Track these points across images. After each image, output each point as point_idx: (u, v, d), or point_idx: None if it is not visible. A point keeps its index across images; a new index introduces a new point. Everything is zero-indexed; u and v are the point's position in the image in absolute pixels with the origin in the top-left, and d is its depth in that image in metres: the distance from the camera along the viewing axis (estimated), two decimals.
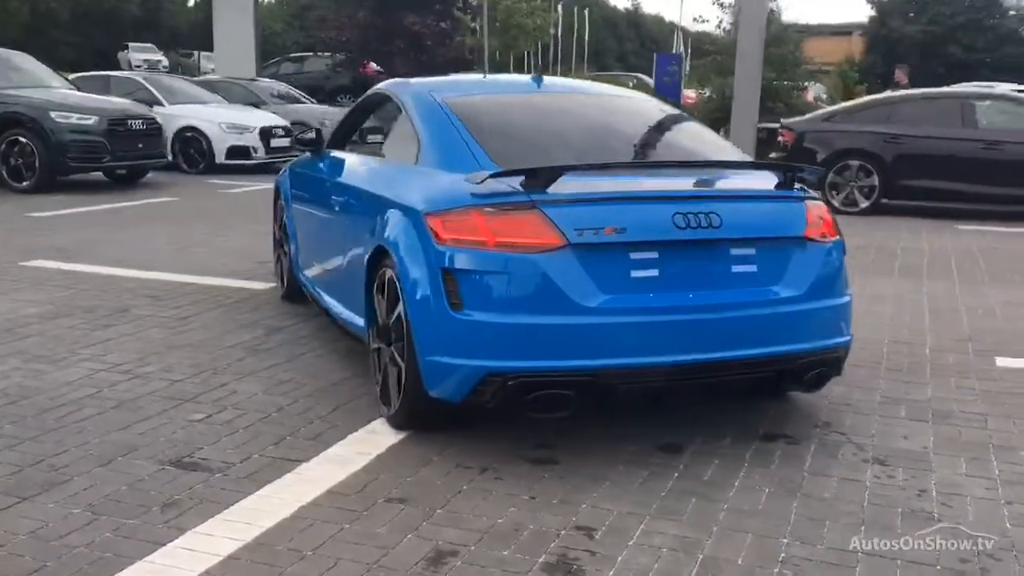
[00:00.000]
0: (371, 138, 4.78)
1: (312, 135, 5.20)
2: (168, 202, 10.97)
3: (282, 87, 18.65)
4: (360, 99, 5.10)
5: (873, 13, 50.63)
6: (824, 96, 23.70)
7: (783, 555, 2.81)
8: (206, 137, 14.05)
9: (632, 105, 4.57)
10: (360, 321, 4.14)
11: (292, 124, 15.11)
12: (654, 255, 3.31)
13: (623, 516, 3.02)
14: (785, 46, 18.94)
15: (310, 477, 3.30)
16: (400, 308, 3.54)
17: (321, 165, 5.07)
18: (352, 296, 4.25)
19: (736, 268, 3.43)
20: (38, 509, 3.01)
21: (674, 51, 59.81)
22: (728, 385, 3.48)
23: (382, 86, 4.86)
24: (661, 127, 4.27)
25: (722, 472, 3.39)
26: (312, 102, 18.42)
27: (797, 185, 3.66)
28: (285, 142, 14.67)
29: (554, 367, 3.22)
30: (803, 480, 3.33)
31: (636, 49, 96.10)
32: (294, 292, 5.75)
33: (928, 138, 10.37)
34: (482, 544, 2.83)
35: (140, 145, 11.84)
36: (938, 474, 3.40)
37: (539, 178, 3.30)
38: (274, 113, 15.62)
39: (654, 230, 3.31)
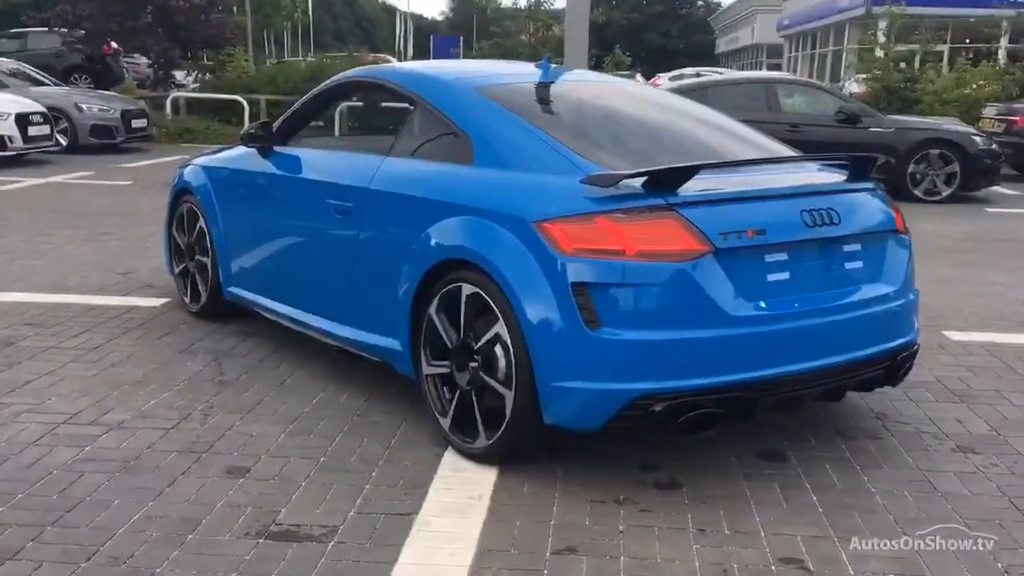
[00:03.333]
0: (362, 134, 4.21)
1: (257, 129, 4.50)
2: None
3: (13, 64, 16.43)
4: (321, 90, 4.48)
5: None
6: None
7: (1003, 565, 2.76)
8: None
9: (657, 95, 4.31)
10: (388, 343, 3.65)
11: (47, 110, 13.34)
12: (784, 256, 3.14)
13: (812, 540, 2.84)
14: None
15: (444, 534, 2.83)
16: (498, 329, 3.13)
17: (278, 163, 4.41)
18: (373, 315, 3.74)
19: (848, 265, 3.34)
20: None
21: (397, 31, 59.86)
22: (845, 387, 3.40)
23: (362, 74, 4.31)
24: (704, 119, 4.08)
25: (845, 476, 3.30)
26: (55, 83, 16.40)
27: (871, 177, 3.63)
28: (45, 129, 12.96)
29: (708, 384, 2.96)
30: (925, 475, 3.32)
31: (351, 28, 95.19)
32: (214, 309, 5.02)
33: (743, 122, 10.91)
34: None
35: None
36: None
37: (669, 179, 3.02)
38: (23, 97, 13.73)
39: (788, 230, 3.14)
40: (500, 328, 3.14)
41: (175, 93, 18.23)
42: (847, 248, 3.34)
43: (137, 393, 3.95)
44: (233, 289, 4.79)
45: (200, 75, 21.13)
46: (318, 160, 4.27)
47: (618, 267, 2.94)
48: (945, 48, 25.42)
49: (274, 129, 4.52)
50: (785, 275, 3.14)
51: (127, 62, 25.08)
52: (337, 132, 12.56)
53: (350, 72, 4.35)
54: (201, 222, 4.97)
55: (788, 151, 3.83)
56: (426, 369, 3.50)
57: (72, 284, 5.86)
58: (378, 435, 3.56)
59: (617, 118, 3.83)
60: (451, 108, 3.65)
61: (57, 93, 15.04)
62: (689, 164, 3.05)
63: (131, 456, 3.32)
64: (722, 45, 61.13)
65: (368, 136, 5.72)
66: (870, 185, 3.58)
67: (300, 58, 31.98)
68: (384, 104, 16.67)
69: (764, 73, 16.11)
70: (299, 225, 4.23)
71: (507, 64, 4.45)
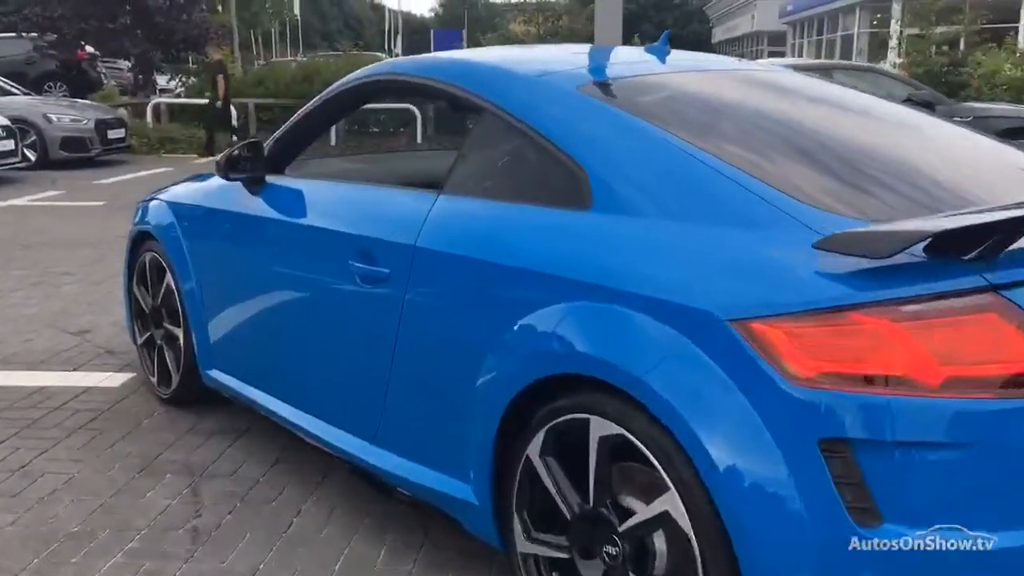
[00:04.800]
0: (395, 156, 2.89)
1: (243, 151, 3.13)
2: None
3: None
4: (329, 96, 3.06)
5: None
6: None
7: None
8: None
9: (838, 92, 2.88)
10: (451, 487, 2.34)
11: (13, 122, 11.97)
12: None
13: None
14: None
15: None
16: (667, 506, 1.80)
17: (273, 200, 3.06)
18: (424, 439, 2.43)
19: None
20: None
21: (387, 30, 58.32)
22: None
23: (391, 70, 2.93)
24: (934, 131, 2.67)
25: None
26: (23, 92, 15.00)
27: None
28: (9, 144, 11.57)
29: None
30: None
31: (340, 28, 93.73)
32: (189, 394, 3.68)
33: None
34: None
35: None
36: None
37: (978, 238, 1.67)
38: None
39: None
40: (671, 504, 1.80)
41: (156, 99, 16.81)
42: None
43: (69, 561, 2.61)
44: (214, 373, 3.44)
45: (184, 79, 19.72)
46: (332, 198, 2.91)
47: (912, 408, 1.60)
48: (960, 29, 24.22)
49: (266, 151, 3.17)
50: None
51: (108, 67, 23.69)
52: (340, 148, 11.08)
53: (373, 69, 2.97)
54: (169, 278, 3.62)
55: None
56: (522, 545, 2.16)
57: (6, 353, 4.51)
58: None
59: (814, 132, 2.41)
60: (546, 120, 2.29)
61: (24, 103, 13.65)
62: (1014, 212, 1.69)
63: None
64: (719, 34, 59.81)
65: (406, 158, 4.32)
66: None
67: (290, 58, 30.50)
68: (423, 111, 15.26)
69: (821, 61, 14.91)
70: (306, 294, 2.88)
71: (591, 48, 3.06)
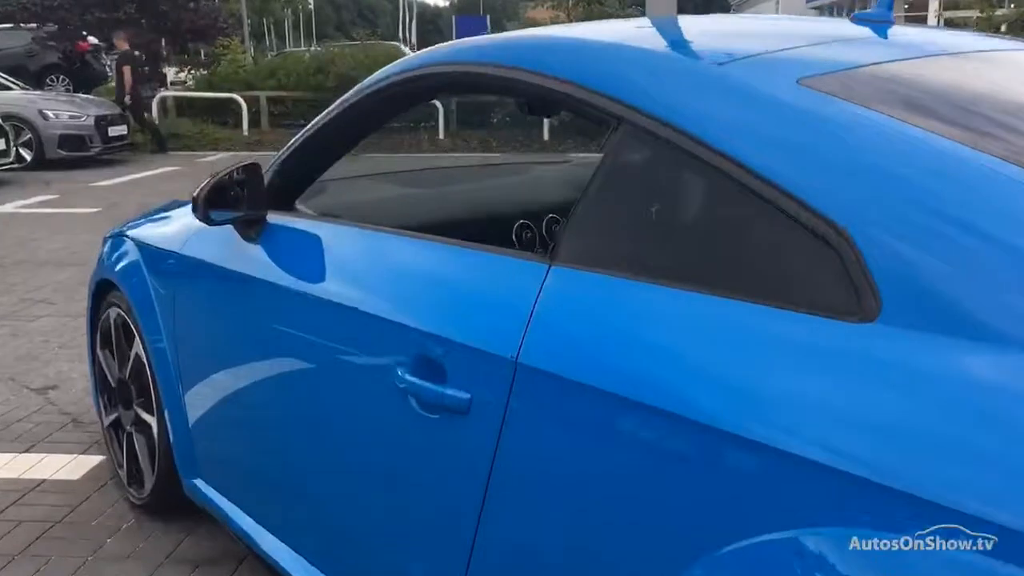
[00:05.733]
0: (444, 183, 1.94)
1: (236, 175, 2.10)
2: None
3: None
4: (361, 95, 1.98)
5: None
6: None
7: None
8: None
9: None
10: None
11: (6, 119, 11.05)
12: None
13: None
14: None
15: None
16: None
17: (278, 254, 2.05)
18: None
19: None
20: None
21: (400, 19, 57.06)
22: None
23: (458, 56, 1.87)
24: None
25: None
26: (21, 87, 14.07)
27: None
28: (0, 144, 10.65)
29: None
30: None
31: (354, 18, 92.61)
32: (168, 501, 2.71)
33: None
34: None
35: None
36: None
37: None
38: None
39: None
40: None
41: (162, 93, 15.86)
42: None
43: None
44: (198, 484, 2.46)
45: (194, 71, 18.70)
46: (366, 255, 1.88)
47: None
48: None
49: (267, 179, 2.16)
50: None
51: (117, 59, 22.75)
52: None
53: (419, 60, 1.91)
54: (138, 346, 2.64)
55: None
56: None
57: None
58: None
59: None
60: (754, 142, 1.28)
61: (18, 99, 12.73)
62: None
63: None
64: None
65: (469, 179, 3.17)
66: None
67: (304, 48, 29.42)
68: (446, 103, 14.05)
69: None
70: (329, 402, 1.87)
71: (756, 18, 2.02)
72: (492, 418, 1.42)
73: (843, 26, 1.88)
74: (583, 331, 1.36)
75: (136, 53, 14.03)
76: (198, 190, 2.04)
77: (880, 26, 1.76)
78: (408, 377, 1.55)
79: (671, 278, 1.30)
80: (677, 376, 1.22)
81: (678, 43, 1.63)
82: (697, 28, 1.86)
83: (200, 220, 2.06)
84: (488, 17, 28.25)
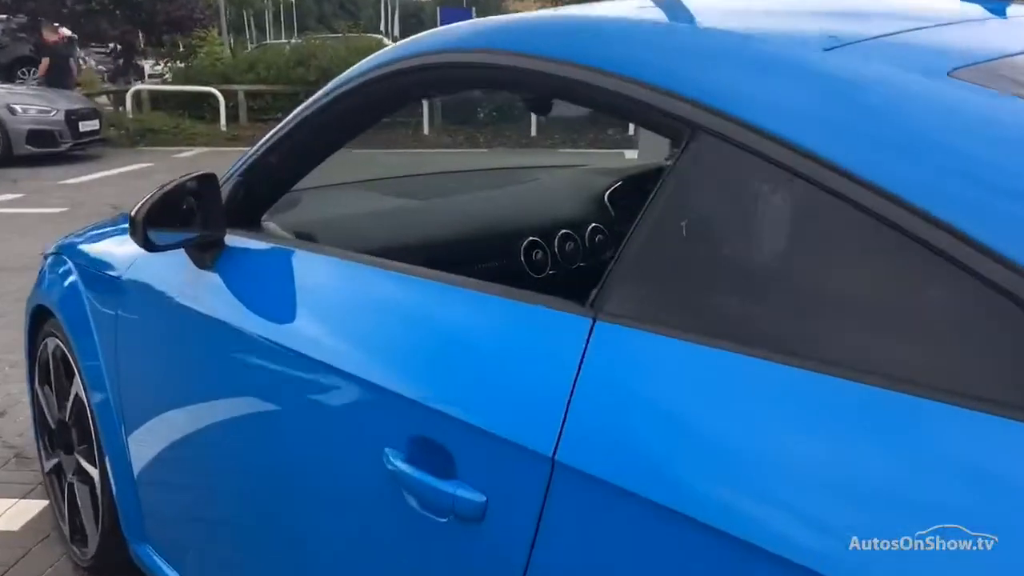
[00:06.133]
0: (440, 193, 1.62)
1: (191, 183, 1.68)
2: None
3: None
4: (325, 100, 1.59)
5: None
6: None
7: None
8: None
9: None
10: None
11: None
12: None
13: None
14: None
15: None
16: None
17: (237, 285, 1.66)
18: None
19: None
20: None
21: (383, 12, 56.42)
22: None
23: (441, 46, 1.43)
24: None
25: None
26: None
27: None
28: None
29: None
30: None
31: (335, 10, 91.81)
32: (114, 561, 2.32)
33: None
34: None
35: None
36: None
37: None
38: None
39: None
40: None
41: (137, 86, 15.35)
42: None
43: None
44: (145, 552, 2.07)
45: (171, 64, 18.17)
46: (348, 296, 1.48)
47: None
48: None
49: (226, 191, 1.76)
50: None
51: (97, 52, 22.16)
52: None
53: (413, 47, 1.50)
54: (78, 383, 2.24)
55: None
56: None
57: None
58: None
59: None
60: (925, 177, 0.88)
61: None
62: None
63: None
64: None
65: (470, 185, 2.64)
66: None
67: (284, 41, 28.84)
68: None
69: None
70: (300, 475, 1.48)
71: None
72: (516, 533, 1.03)
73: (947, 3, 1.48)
74: (638, 418, 0.98)
75: (63, 52, 13.91)
76: (136, 207, 1.64)
77: (995, 3, 1.38)
78: (400, 465, 1.17)
79: (777, 350, 0.92)
80: (789, 496, 0.84)
81: (755, 23, 1.23)
82: (760, 3, 1.45)
83: (139, 244, 1.65)
84: (473, 10, 27.77)
